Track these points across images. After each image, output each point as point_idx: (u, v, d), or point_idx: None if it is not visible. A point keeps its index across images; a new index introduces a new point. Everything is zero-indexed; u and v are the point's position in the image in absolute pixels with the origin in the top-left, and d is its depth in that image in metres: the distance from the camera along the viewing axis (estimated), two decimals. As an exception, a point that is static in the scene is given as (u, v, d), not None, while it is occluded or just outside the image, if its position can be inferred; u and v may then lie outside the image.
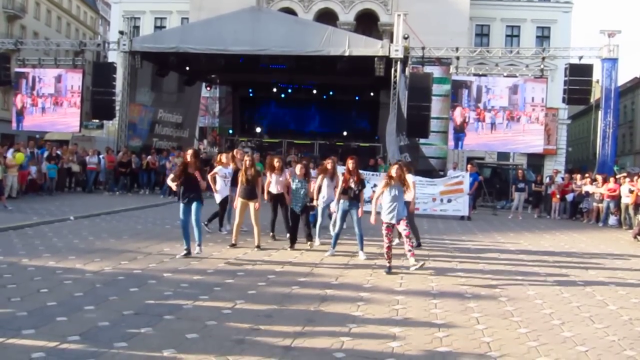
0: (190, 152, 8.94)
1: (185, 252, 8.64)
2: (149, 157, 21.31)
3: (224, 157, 11.26)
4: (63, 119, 24.25)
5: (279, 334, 5.12)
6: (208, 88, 31.20)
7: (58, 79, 24.19)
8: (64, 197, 18.16)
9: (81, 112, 24.45)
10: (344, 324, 5.47)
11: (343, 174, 9.51)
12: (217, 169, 10.93)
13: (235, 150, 12.39)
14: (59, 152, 20.08)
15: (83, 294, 6.18)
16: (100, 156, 21.25)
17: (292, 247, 9.85)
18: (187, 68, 25.27)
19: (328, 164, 10.50)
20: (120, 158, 20.72)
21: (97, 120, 33.27)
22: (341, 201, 9.35)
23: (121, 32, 23.34)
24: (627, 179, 16.82)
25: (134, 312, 5.59)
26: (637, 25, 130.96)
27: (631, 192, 16.11)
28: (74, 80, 24.10)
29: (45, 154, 19.36)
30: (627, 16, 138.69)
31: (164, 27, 37.61)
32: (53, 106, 24.14)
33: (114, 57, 28.93)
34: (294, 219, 10.03)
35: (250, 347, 4.77)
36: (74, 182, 21.09)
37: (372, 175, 17.51)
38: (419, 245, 10.49)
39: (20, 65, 24.96)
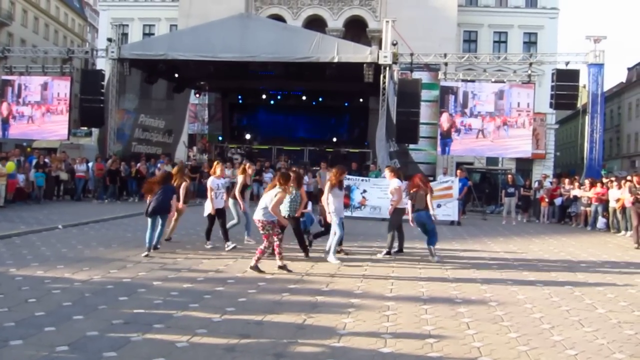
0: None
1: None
2: (139, 164, 21.21)
3: (218, 169, 10.58)
4: (51, 126, 24.11)
5: (269, 341, 5.10)
6: (197, 95, 31.17)
7: (44, 86, 24.06)
8: (52, 205, 18.02)
9: (69, 119, 24.31)
10: (335, 331, 5.47)
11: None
12: (209, 180, 10.49)
13: (246, 164, 11.54)
14: (47, 160, 19.93)
15: (72, 304, 6.13)
16: (89, 164, 21.12)
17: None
18: (176, 75, 25.26)
19: (333, 176, 9.79)
20: (109, 166, 20.59)
21: (85, 128, 33.12)
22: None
23: (109, 40, 23.30)
24: (615, 183, 16.94)
25: (123, 321, 5.55)
26: (622, 31, 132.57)
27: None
28: (61, 87, 23.96)
29: (34, 162, 19.21)
30: (612, 22, 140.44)
31: (153, 34, 37.56)
32: (40, 114, 23.99)
33: (103, 64, 28.82)
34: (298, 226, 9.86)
35: (240, 355, 4.75)
36: (62, 191, 20.93)
37: (362, 180, 17.56)
38: (388, 254, 10.13)
39: (7, 72, 24.78)
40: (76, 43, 55.70)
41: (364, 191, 16.28)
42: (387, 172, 10.34)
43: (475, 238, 13.82)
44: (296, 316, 5.96)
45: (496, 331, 5.68)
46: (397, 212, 10.31)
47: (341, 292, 7.21)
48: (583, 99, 25.25)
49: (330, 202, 9.51)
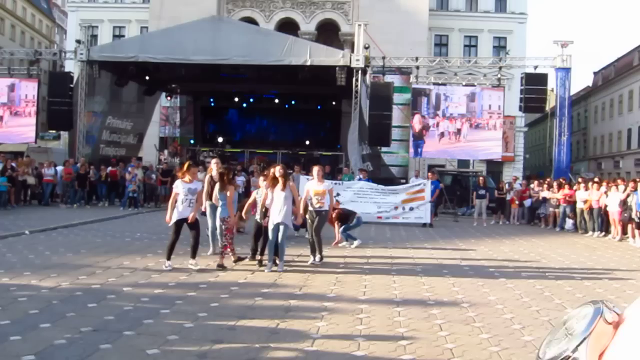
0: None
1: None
2: (109, 168, 20.87)
3: (188, 175, 8.72)
4: (17, 129, 23.56)
5: (242, 346, 5.05)
6: (168, 98, 30.80)
7: (11, 87, 23.53)
8: (19, 210, 17.58)
9: (37, 122, 23.81)
10: (308, 335, 5.45)
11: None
12: (176, 184, 8.77)
13: (214, 161, 10.69)
14: (13, 164, 19.45)
15: (38, 311, 5.97)
16: (57, 168, 20.68)
17: (252, 257, 9.60)
18: (147, 78, 24.94)
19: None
20: (79, 170, 20.18)
21: (53, 131, 32.46)
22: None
23: (78, 41, 22.89)
24: (582, 185, 17.32)
25: (92, 328, 5.43)
26: (588, 36, 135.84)
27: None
28: (29, 89, 23.48)
29: (-1, 167, 18.72)
30: (579, 27, 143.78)
31: (123, 36, 37.00)
32: (6, 116, 23.43)
33: (71, 66, 28.30)
34: (259, 230, 9.69)
35: (213, 361, 4.69)
36: (29, 195, 20.45)
37: (335, 184, 17.54)
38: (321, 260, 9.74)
39: (-28, 75, 24.16)
40: (44, 45, 54.56)
41: (337, 194, 16.26)
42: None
43: (447, 240, 13.96)
44: (269, 321, 5.91)
45: (468, 332, 5.73)
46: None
47: (314, 296, 7.19)
48: (551, 102, 25.76)
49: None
